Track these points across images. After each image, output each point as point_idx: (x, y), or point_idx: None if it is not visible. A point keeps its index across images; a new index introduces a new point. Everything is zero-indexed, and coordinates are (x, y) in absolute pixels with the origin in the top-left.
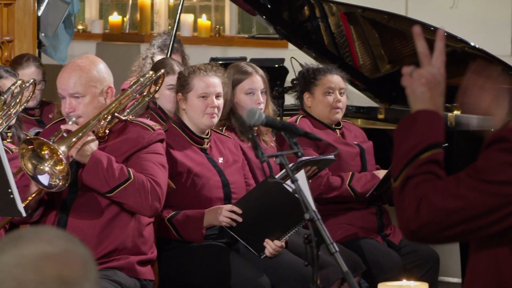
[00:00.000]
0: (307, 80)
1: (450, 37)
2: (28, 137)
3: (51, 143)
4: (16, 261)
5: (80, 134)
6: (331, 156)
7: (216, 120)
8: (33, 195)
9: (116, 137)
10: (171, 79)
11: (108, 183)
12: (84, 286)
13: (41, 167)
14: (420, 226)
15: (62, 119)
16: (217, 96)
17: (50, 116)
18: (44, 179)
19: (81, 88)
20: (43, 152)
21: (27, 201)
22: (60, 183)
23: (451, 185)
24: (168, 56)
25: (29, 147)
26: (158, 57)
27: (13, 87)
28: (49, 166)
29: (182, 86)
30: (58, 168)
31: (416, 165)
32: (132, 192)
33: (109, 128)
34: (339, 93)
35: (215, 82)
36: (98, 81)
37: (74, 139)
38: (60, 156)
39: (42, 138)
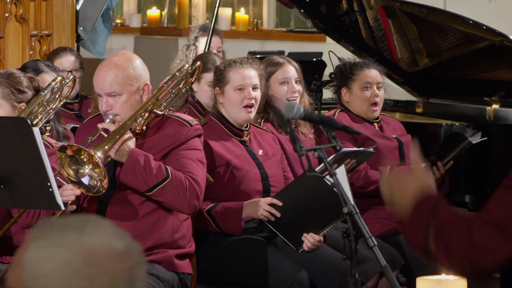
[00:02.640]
0: (344, 75)
1: (488, 31)
2: (62, 144)
3: (87, 149)
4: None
5: (117, 137)
6: (371, 149)
7: (253, 114)
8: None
9: (153, 133)
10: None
11: (146, 182)
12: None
13: (82, 171)
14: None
15: (99, 114)
16: (254, 88)
17: (89, 110)
18: (85, 180)
19: (118, 87)
20: (82, 157)
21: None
22: (98, 184)
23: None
24: (207, 50)
25: (66, 153)
26: (201, 40)
27: (53, 83)
28: (89, 169)
29: (219, 80)
30: (96, 170)
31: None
32: (171, 190)
33: (146, 124)
34: (376, 88)
35: (251, 74)
36: (135, 79)
37: (107, 146)
38: (97, 160)
39: (78, 145)
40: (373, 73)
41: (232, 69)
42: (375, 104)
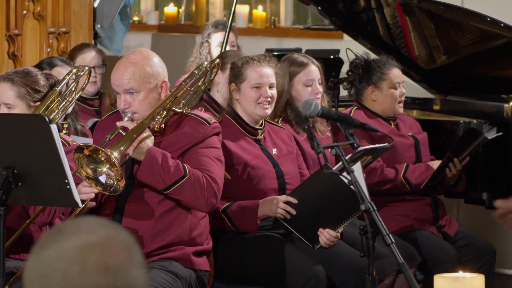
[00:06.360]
0: (370, 73)
1: (506, 28)
2: (79, 145)
3: (104, 149)
4: (58, 255)
5: (135, 136)
6: (385, 144)
7: (269, 111)
8: (85, 205)
9: (172, 131)
10: None
11: (164, 180)
12: (131, 272)
13: (100, 169)
14: None
15: (117, 111)
16: (271, 87)
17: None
18: (102, 179)
19: (136, 84)
20: (99, 156)
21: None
22: (115, 183)
23: None
24: (224, 48)
25: (84, 153)
26: (213, 36)
27: (67, 77)
28: (107, 167)
29: (236, 76)
30: (114, 169)
31: None
32: (188, 189)
33: (165, 122)
34: (401, 86)
35: (268, 72)
36: (152, 77)
37: (124, 147)
38: (114, 160)
39: (95, 145)
40: (399, 72)
41: (250, 67)
42: (401, 102)
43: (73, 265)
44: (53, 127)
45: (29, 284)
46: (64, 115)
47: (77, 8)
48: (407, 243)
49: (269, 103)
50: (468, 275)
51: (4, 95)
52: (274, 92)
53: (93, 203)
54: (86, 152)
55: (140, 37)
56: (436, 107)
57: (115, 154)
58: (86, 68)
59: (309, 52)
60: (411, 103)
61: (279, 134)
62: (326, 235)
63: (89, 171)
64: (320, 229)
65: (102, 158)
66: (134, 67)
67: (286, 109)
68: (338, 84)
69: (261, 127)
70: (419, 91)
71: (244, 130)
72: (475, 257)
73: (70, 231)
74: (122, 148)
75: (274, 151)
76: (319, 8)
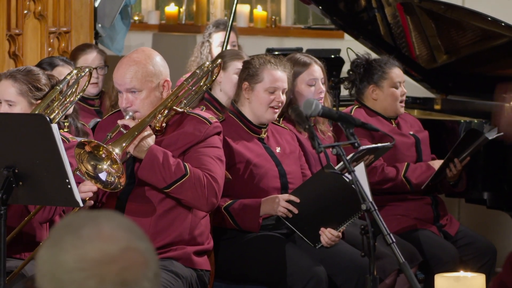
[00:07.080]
0: (372, 72)
1: (507, 27)
2: (81, 141)
3: (105, 145)
4: (76, 265)
5: (136, 133)
6: (387, 143)
7: (277, 115)
8: (88, 199)
9: (173, 130)
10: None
11: (164, 179)
12: (144, 285)
13: (100, 166)
14: None
15: (119, 110)
16: (283, 92)
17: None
18: (103, 176)
19: (138, 83)
20: (100, 153)
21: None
22: (116, 181)
23: None
24: (225, 47)
25: (85, 149)
26: (214, 36)
27: (68, 77)
28: (107, 165)
29: (251, 76)
30: (114, 166)
31: None
32: (189, 187)
33: (166, 121)
34: (403, 85)
35: (284, 77)
36: (154, 76)
37: (125, 144)
38: (115, 157)
39: (96, 141)
40: (400, 72)
41: (267, 69)
42: (402, 101)
43: (91, 279)
44: (54, 127)
45: (40, 278)
46: (64, 115)
47: (78, 8)
48: (408, 242)
49: (279, 107)
50: (469, 274)
51: (6, 92)
52: (285, 97)
53: (91, 202)
54: (88, 148)
55: (141, 37)
56: (437, 107)
57: (117, 151)
58: (87, 70)
59: (310, 52)
60: (412, 102)
61: (282, 134)
62: (327, 235)
63: (89, 168)
64: (322, 229)
65: (103, 155)
66: (136, 66)
67: (288, 108)
68: (339, 84)
69: (265, 126)
70: (420, 91)
71: (247, 129)
72: (476, 256)
73: (90, 235)
74: (123, 144)
75: (278, 150)
76: (320, 7)
